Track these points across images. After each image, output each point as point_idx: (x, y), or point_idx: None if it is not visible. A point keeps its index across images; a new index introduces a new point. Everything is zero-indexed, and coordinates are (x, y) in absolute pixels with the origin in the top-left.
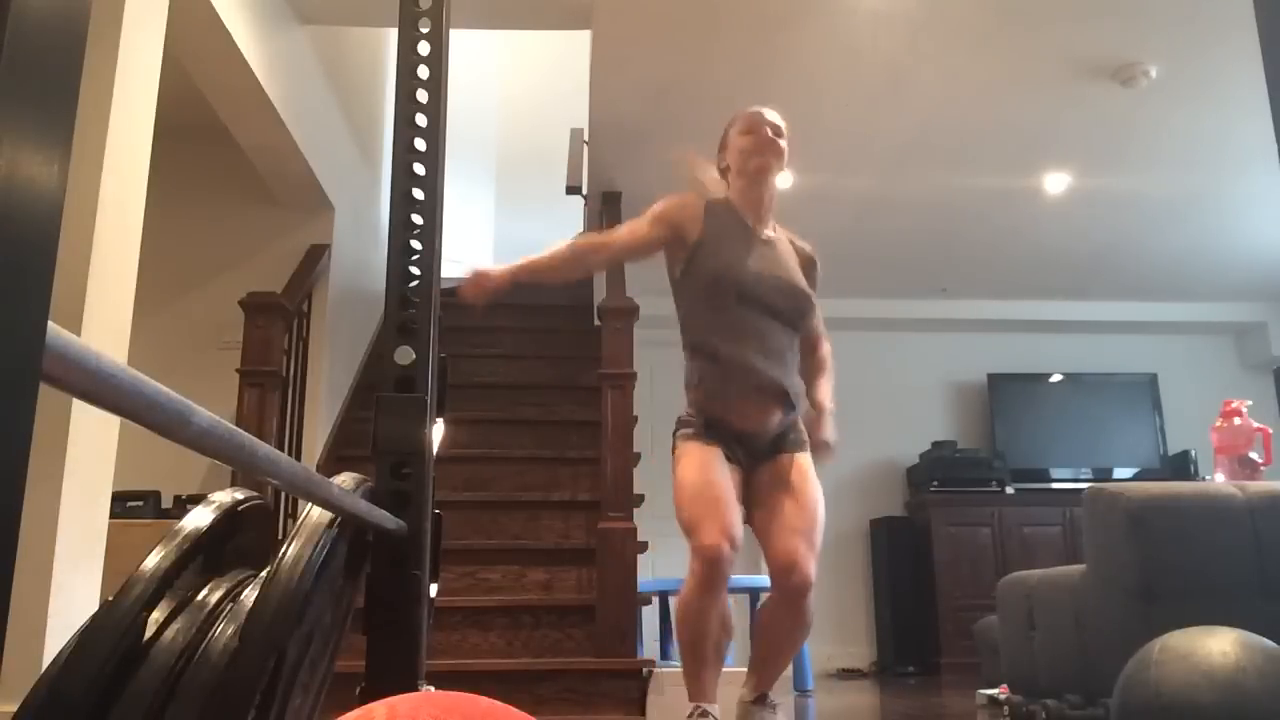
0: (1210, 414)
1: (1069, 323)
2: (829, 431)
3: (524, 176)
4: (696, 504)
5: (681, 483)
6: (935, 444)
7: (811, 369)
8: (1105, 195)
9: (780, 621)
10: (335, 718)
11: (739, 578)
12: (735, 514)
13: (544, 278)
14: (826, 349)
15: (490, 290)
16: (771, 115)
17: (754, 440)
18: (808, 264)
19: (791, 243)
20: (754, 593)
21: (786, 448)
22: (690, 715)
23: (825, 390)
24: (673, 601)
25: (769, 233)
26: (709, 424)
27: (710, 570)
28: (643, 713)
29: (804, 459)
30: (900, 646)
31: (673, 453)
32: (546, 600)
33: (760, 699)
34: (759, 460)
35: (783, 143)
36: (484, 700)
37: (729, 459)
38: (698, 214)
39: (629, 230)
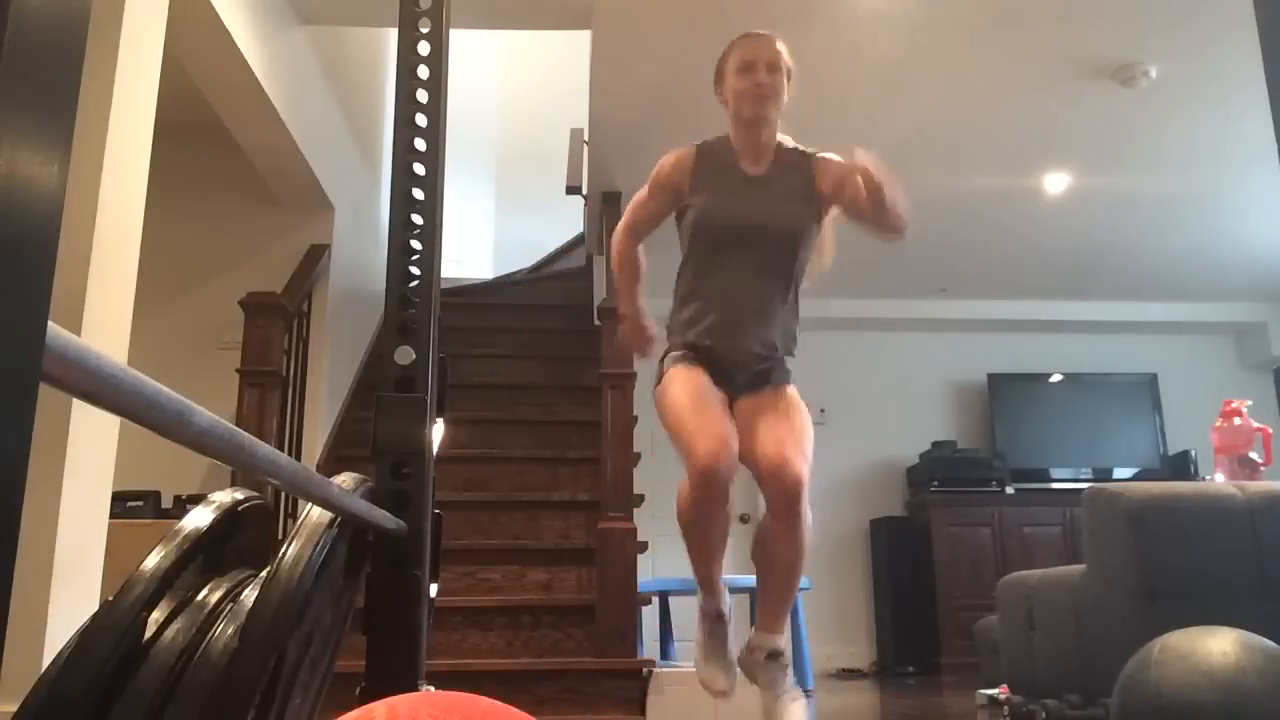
0: (1210, 414)
1: (1069, 323)
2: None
3: (524, 176)
4: (688, 419)
5: (670, 402)
6: (935, 444)
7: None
8: (1105, 195)
9: (776, 535)
10: (335, 718)
11: (736, 578)
12: (729, 427)
13: (639, 286)
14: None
15: (648, 335)
16: (768, 47)
17: (736, 371)
18: (814, 174)
19: (797, 164)
20: (752, 593)
21: (771, 382)
22: (702, 614)
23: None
24: (673, 601)
25: (767, 169)
26: (693, 349)
27: (708, 486)
28: (643, 713)
29: (786, 389)
30: (900, 646)
31: (657, 382)
32: (546, 600)
33: (774, 654)
34: (741, 391)
35: (781, 79)
36: (484, 700)
37: (715, 379)
38: (687, 167)
39: (638, 208)
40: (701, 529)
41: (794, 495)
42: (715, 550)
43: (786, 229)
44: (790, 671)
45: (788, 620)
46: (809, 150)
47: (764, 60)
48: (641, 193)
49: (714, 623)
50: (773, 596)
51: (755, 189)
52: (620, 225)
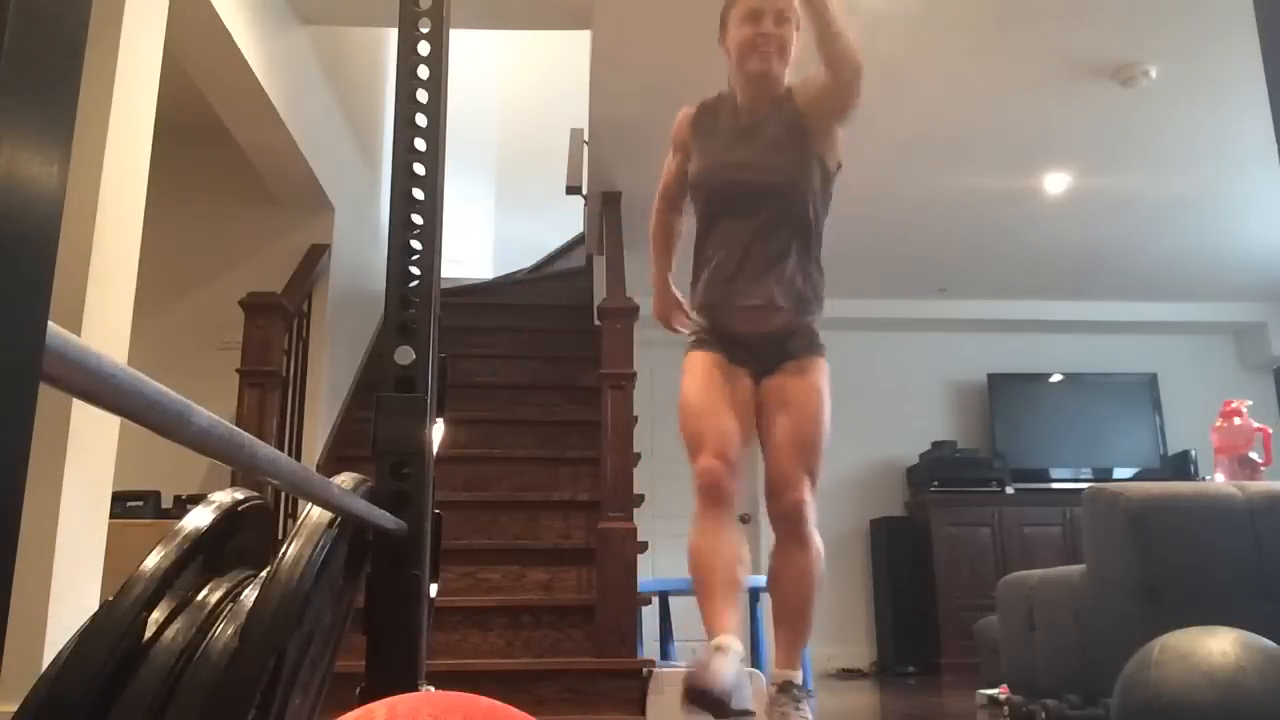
0: (1210, 414)
1: (1069, 323)
2: None
3: (524, 176)
4: (692, 425)
5: (681, 400)
6: (935, 444)
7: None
8: (1105, 195)
9: (784, 559)
10: (335, 718)
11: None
12: (730, 434)
13: (671, 256)
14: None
15: (676, 311)
16: None
17: (758, 343)
18: (797, 107)
19: (783, 101)
20: (754, 592)
21: (792, 354)
22: (708, 648)
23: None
24: (673, 601)
25: (761, 117)
26: (711, 329)
27: (707, 491)
28: (643, 713)
29: (810, 365)
30: (900, 646)
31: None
32: (546, 600)
33: (785, 686)
34: (768, 367)
35: (790, 31)
36: (484, 700)
37: (735, 362)
38: (689, 124)
39: (666, 172)
40: (707, 552)
41: (794, 517)
42: (720, 584)
43: (778, 181)
44: (803, 704)
45: (803, 654)
46: (791, 86)
47: (772, 8)
48: (668, 161)
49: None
50: (782, 627)
51: (747, 140)
52: (665, 190)
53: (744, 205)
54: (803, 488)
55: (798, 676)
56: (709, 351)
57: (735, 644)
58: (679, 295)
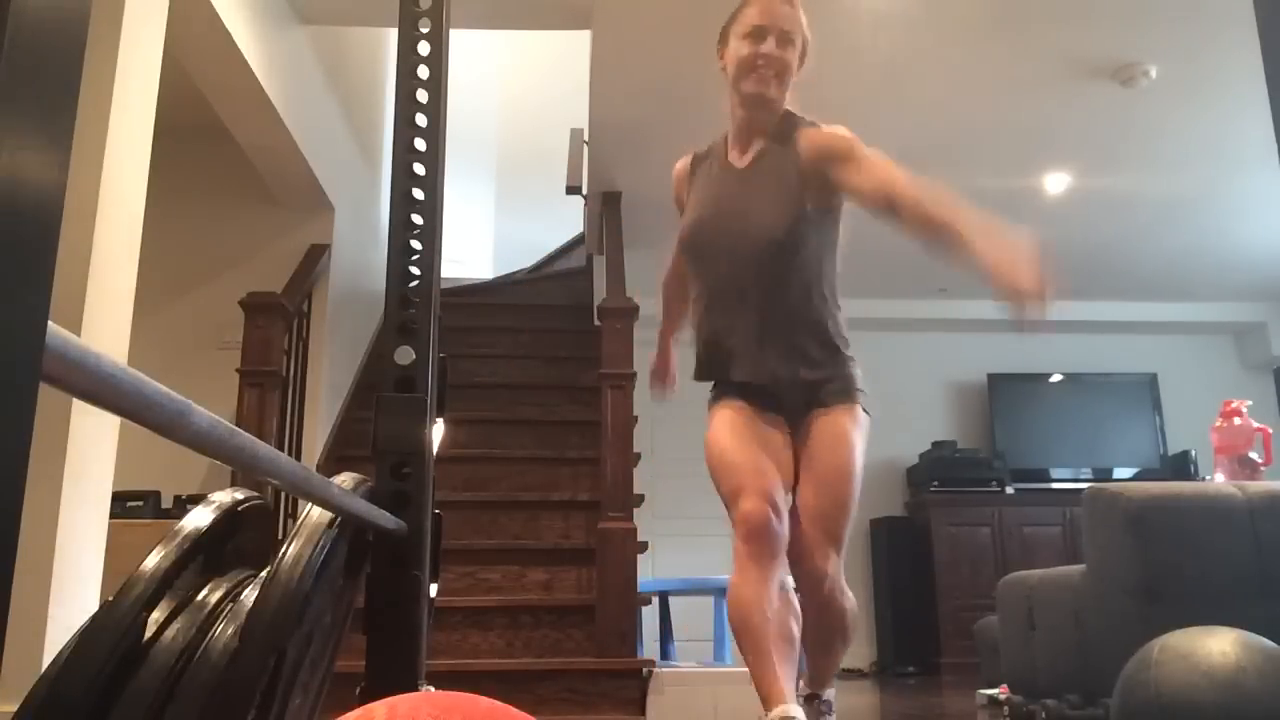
0: (1210, 414)
1: (1069, 323)
2: (1012, 269)
3: (524, 176)
4: (725, 469)
5: (709, 450)
6: (935, 444)
7: (921, 223)
8: (1105, 195)
9: (809, 614)
10: (335, 718)
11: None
12: (770, 474)
13: (681, 322)
14: (913, 192)
15: (670, 376)
16: (786, 14)
17: (781, 392)
18: (798, 154)
19: (784, 140)
20: None
21: (819, 400)
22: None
23: (965, 226)
24: (673, 601)
25: (753, 158)
26: (726, 383)
27: (752, 540)
28: (643, 713)
29: (842, 414)
30: (900, 646)
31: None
32: (546, 600)
33: (811, 698)
34: (798, 412)
35: (793, 55)
36: (484, 700)
37: (765, 409)
38: (685, 179)
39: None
40: (757, 609)
41: (815, 585)
42: (775, 643)
43: (766, 237)
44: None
45: (833, 675)
46: (799, 121)
47: (776, 28)
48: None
49: None
50: (812, 655)
51: (736, 187)
52: (674, 256)
53: (729, 269)
54: (827, 559)
55: (827, 692)
56: (733, 400)
57: (798, 713)
58: (674, 362)
